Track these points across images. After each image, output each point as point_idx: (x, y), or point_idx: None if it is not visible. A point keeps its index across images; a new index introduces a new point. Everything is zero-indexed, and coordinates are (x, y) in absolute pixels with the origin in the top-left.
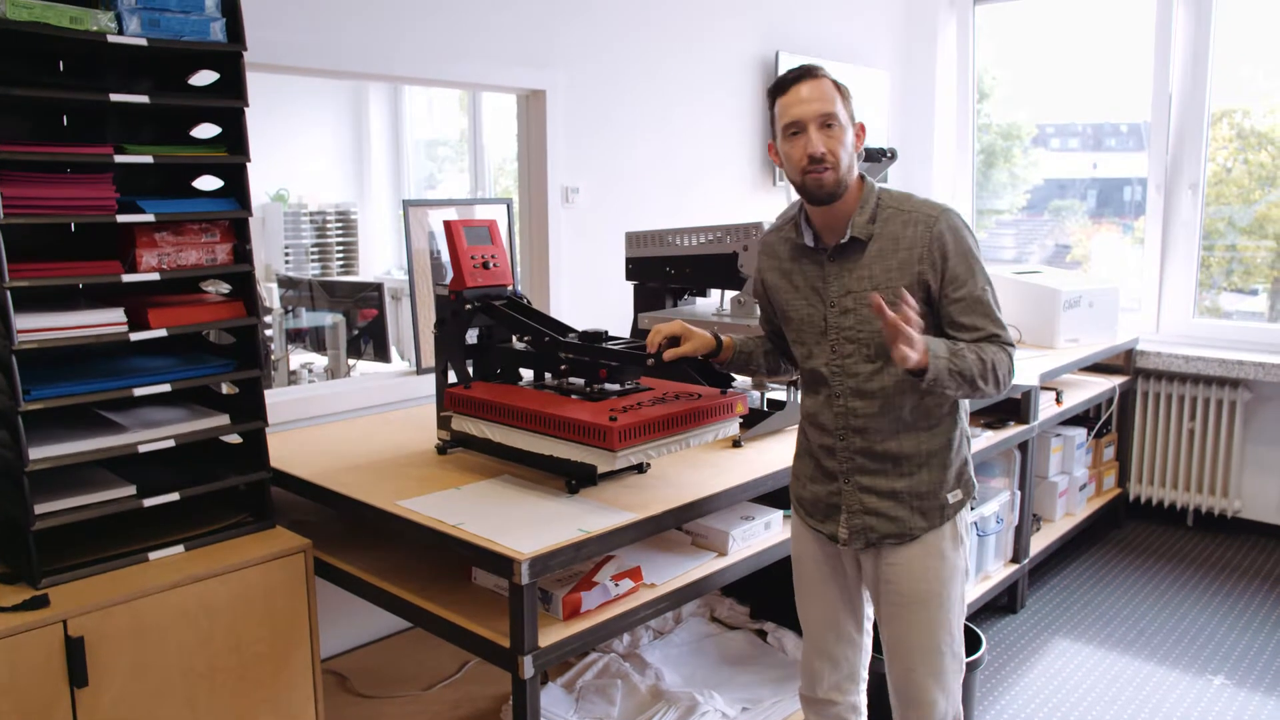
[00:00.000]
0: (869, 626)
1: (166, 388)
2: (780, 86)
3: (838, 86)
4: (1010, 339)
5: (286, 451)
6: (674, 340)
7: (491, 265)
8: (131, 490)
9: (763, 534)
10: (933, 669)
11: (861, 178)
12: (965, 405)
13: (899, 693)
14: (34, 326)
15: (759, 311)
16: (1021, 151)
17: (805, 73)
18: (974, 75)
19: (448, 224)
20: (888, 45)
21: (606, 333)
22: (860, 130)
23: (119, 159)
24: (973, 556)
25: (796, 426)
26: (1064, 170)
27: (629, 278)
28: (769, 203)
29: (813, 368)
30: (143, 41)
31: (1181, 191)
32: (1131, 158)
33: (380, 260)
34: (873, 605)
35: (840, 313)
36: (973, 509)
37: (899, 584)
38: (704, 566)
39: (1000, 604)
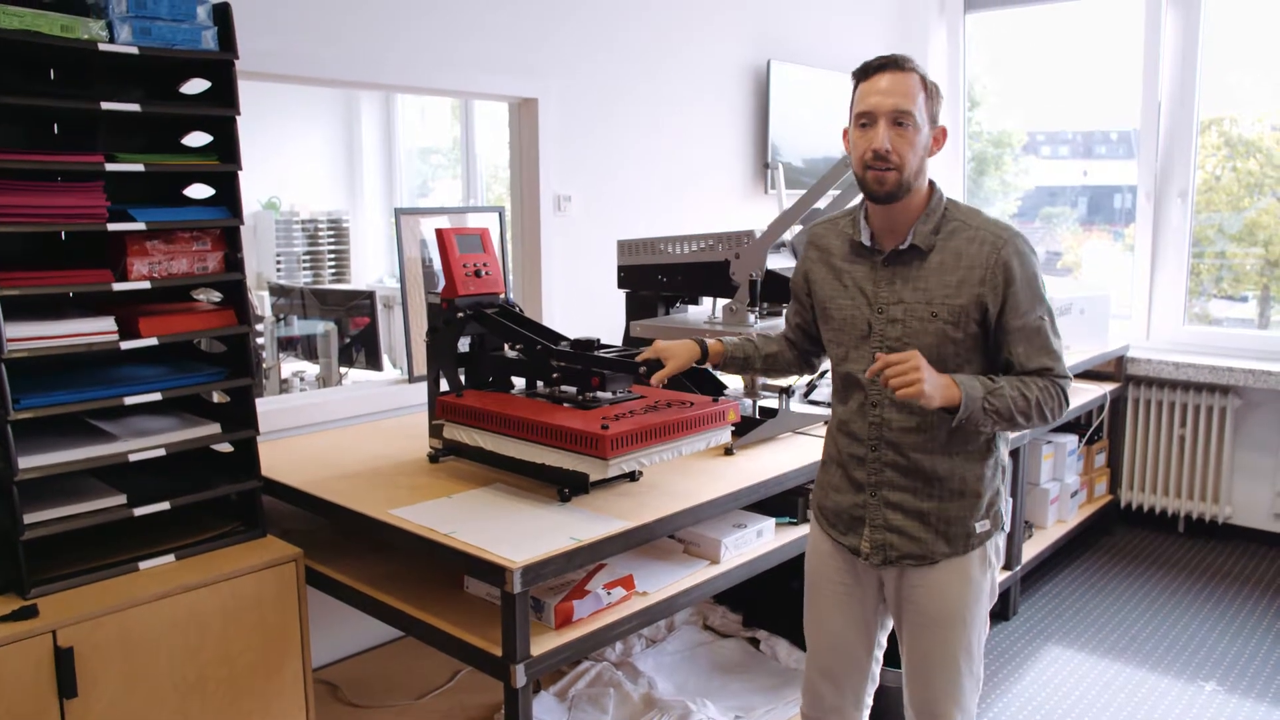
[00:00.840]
0: (879, 654)
1: (157, 396)
2: (863, 71)
3: (924, 84)
4: (1064, 371)
5: (278, 460)
6: (656, 362)
7: (483, 273)
8: (122, 499)
9: (755, 542)
10: (951, 688)
11: (932, 184)
12: (1005, 435)
13: (916, 709)
14: (24, 335)
15: (789, 304)
16: (1012, 159)
17: (891, 62)
18: (965, 83)
19: (440, 232)
20: (879, 54)
21: (598, 341)
22: (940, 134)
23: (110, 167)
24: None
25: (789, 433)
26: (1054, 177)
27: (621, 286)
28: (761, 210)
29: (848, 371)
30: (134, 50)
31: (1171, 199)
32: (1121, 165)
33: (372, 268)
34: (894, 623)
35: (888, 320)
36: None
37: (923, 604)
38: (696, 574)
39: (992, 611)
